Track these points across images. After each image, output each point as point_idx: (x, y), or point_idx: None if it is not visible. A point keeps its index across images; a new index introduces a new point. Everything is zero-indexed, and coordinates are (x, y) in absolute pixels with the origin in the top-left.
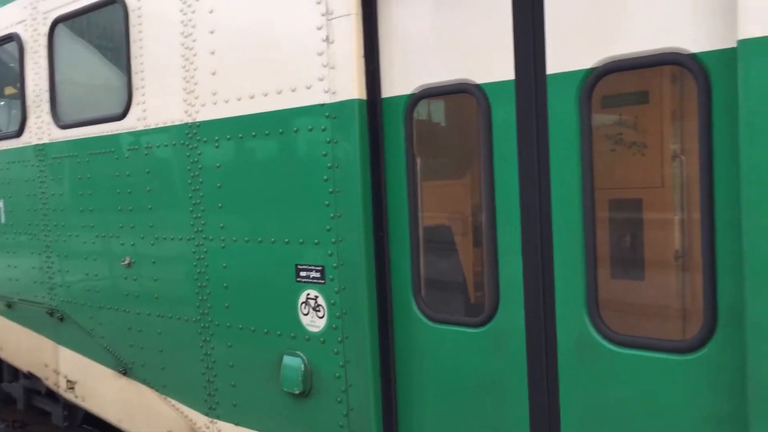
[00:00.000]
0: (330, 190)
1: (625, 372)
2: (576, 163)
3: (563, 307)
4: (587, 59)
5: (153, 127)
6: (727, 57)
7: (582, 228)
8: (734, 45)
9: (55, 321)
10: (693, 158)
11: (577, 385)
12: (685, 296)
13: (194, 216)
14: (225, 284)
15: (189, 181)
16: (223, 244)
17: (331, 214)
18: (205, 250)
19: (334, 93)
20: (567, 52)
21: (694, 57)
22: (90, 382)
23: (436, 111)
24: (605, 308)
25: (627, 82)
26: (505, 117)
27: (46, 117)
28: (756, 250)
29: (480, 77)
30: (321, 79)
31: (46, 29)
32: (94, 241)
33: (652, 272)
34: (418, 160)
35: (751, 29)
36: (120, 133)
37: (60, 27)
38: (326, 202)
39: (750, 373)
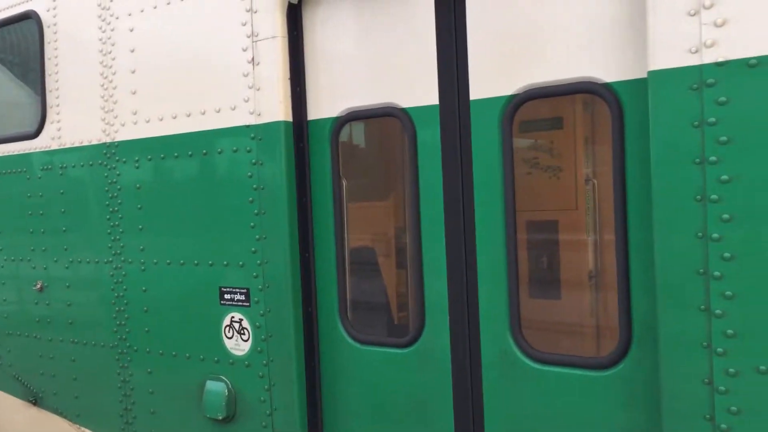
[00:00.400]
0: (255, 211)
1: (546, 388)
2: (499, 185)
3: (487, 327)
4: (509, 86)
5: (69, 146)
6: (639, 87)
7: (505, 249)
8: (645, 75)
9: None
10: (604, 181)
11: (501, 402)
12: (599, 314)
13: (112, 238)
14: (145, 308)
15: (107, 202)
16: (143, 267)
17: (257, 236)
18: (123, 273)
19: (259, 114)
20: (489, 79)
21: (607, 86)
22: None
23: (362, 134)
24: (526, 327)
25: (542, 108)
26: (430, 140)
27: None
28: (667, 269)
29: (405, 101)
30: (246, 101)
31: None
32: (3, 265)
33: (568, 291)
34: (344, 182)
35: (660, 61)
36: (33, 152)
37: None
38: (252, 224)
39: (663, 388)
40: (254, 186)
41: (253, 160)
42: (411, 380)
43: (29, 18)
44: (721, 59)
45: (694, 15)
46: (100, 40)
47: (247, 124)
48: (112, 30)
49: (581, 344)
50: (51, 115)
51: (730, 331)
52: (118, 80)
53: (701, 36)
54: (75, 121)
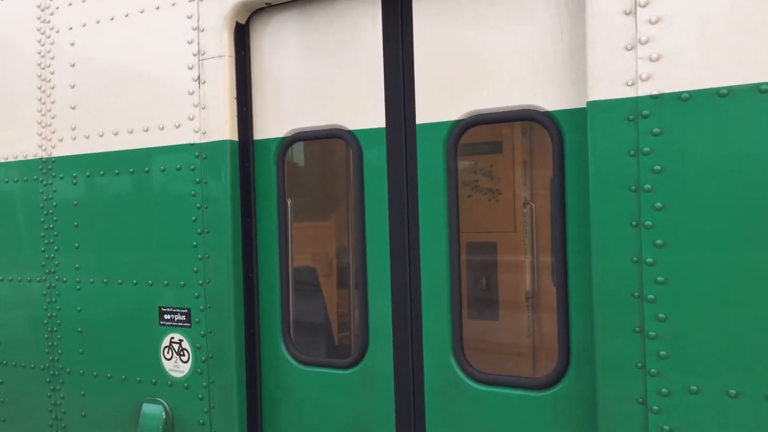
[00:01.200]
0: (198, 230)
1: (488, 409)
2: (443, 207)
3: (430, 348)
4: (454, 111)
5: (2, 161)
6: (578, 116)
7: (448, 270)
8: (584, 105)
9: None
10: (541, 205)
11: (443, 423)
12: (535, 335)
13: (46, 256)
14: (79, 328)
15: (41, 219)
16: (78, 286)
17: (199, 255)
18: (57, 292)
19: (204, 133)
20: (435, 104)
21: (548, 115)
22: None
23: (308, 154)
24: (468, 348)
25: (483, 133)
26: (376, 162)
27: None
28: (603, 292)
29: (352, 124)
30: (191, 119)
31: None
32: None
33: (505, 312)
34: (289, 202)
35: (598, 93)
36: None
37: None
38: (194, 243)
39: (599, 407)
40: (198, 205)
41: (197, 179)
42: (354, 402)
43: None
44: (655, 92)
45: (630, 50)
46: (39, 53)
47: (192, 142)
48: (52, 44)
49: (521, 365)
50: None
51: (663, 353)
52: (57, 95)
53: (637, 70)
54: (8, 135)
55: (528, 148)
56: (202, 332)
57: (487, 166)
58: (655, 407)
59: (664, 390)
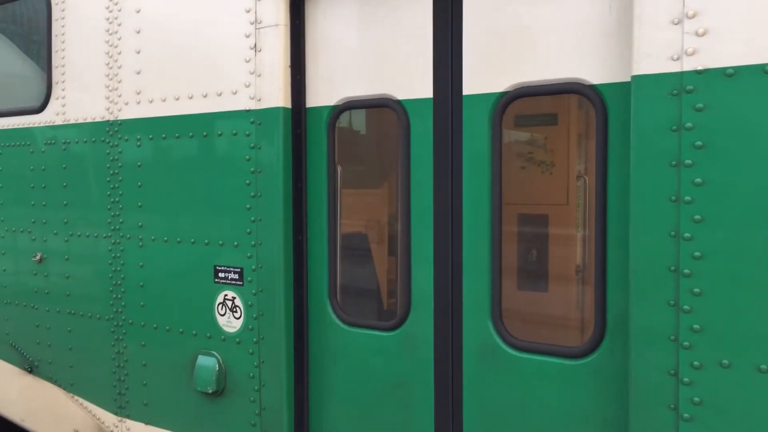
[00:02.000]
0: (252, 194)
1: (523, 374)
2: (486, 178)
3: (469, 314)
4: (500, 83)
5: (72, 122)
6: (623, 89)
7: (489, 240)
8: (629, 80)
9: None
10: (594, 179)
11: (480, 387)
12: (584, 307)
13: (112, 214)
14: (141, 283)
15: (108, 179)
16: (140, 243)
17: (252, 218)
18: (121, 248)
19: (259, 100)
20: (482, 76)
21: (593, 88)
22: None
23: (358, 122)
24: (512, 318)
25: (538, 104)
26: (422, 132)
27: None
28: (640, 265)
29: (401, 93)
30: (247, 86)
31: None
32: (3, 236)
33: (555, 284)
34: (339, 169)
35: (643, 67)
36: (36, 127)
37: None
38: (247, 206)
39: (631, 377)
40: (251, 169)
41: (252, 144)
42: (394, 363)
43: None
44: (700, 67)
45: (677, 24)
46: (107, 19)
47: (247, 108)
48: (119, 10)
49: (565, 336)
50: (56, 91)
51: (696, 326)
52: (123, 60)
53: (683, 44)
54: (79, 98)
55: (584, 120)
56: (253, 291)
57: (541, 138)
58: (686, 379)
59: (695, 363)
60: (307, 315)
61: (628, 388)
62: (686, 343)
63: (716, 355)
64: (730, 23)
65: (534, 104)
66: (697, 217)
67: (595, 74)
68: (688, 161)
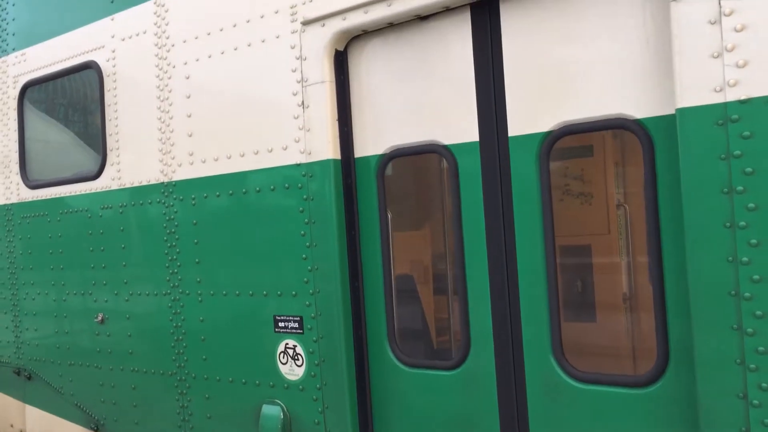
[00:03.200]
0: (307, 244)
1: (589, 407)
2: (537, 215)
3: (530, 350)
4: (545, 123)
5: (128, 186)
6: (668, 122)
7: (545, 275)
8: (673, 112)
9: (22, 380)
10: (634, 206)
11: (546, 422)
12: (634, 336)
13: (171, 271)
14: (202, 337)
15: (165, 238)
16: (200, 298)
17: (309, 267)
18: (181, 304)
19: (309, 153)
20: (527, 117)
21: (638, 122)
22: None
23: (406, 170)
24: (577, 351)
25: (573, 137)
26: (471, 175)
27: (15, 177)
28: (700, 291)
29: (447, 139)
30: (297, 141)
31: (16, 92)
32: (65, 299)
33: (603, 314)
34: (390, 214)
35: (687, 100)
36: (94, 192)
37: (32, 90)
38: (303, 256)
39: (700, 403)
40: (306, 220)
41: (305, 196)
42: (457, 402)
43: (90, 68)
44: (743, 97)
45: (717, 57)
46: (158, 87)
47: (298, 162)
48: (169, 78)
49: (622, 365)
50: (111, 158)
51: (761, 348)
52: (175, 124)
53: (724, 76)
54: (134, 162)
55: (619, 149)
56: (314, 338)
57: (578, 170)
58: (755, 401)
59: (764, 384)
60: (368, 359)
61: (698, 414)
62: (752, 366)
63: None
64: None
65: (570, 137)
66: (753, 241)
67: (638, 109)
68: (740, 187)
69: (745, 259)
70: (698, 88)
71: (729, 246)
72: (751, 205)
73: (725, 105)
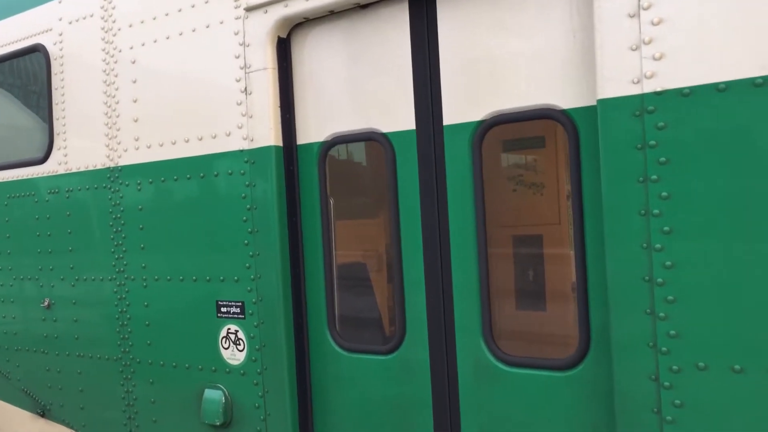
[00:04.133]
0: (249, 230)
1: (515, 389)
2: (470, 203)
3: (462, 335)
4: (477, 112)
5: (75, 171)
6: (591, 112)
7: (476, 261)
8: (594, 103)
9: None
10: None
11: (476, 403)
12: (570, 322)
13: (116, 257)
14: (147, 322)
15: (111, 223)
16: (145, 284)
17: (251, 253)
18: (126, 289)
19: (252, 140)
20: (460, 106)
21: (564, 112)
22: (6, 425)
23: (347, 156)
24: (512, 338)
25: (525, 128)
26: (408, 162)
27: None
28: (616, 277)
29: (385, 127)
30: (240, 127)
31: None
32: (12, 284)
33: (553, 303)
34: (331, 201)
35: (606, 91)
36: (40, 177)
37: None
38: (245, 242)
39: (616, 385)
40: (248, 206)
41: (247, 182)
42: (393, 386)
43: (37, 51)
44: (659, 89)
45: (635, 50)
46: (104, 71)
47: (241, 148)
48: (116, 62)
49: (557, 351)
50: (58, 142)
51: (672, 332)
52: (121, 109)
53: (642, 68)
54: (81, 147)
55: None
56: (255, 323)
57: (531, 161)
58: (666, 383)
59: (674, 367)
60: (308, 344)
61: (613, 395)
62: (664, 349)
63: (693, 359)
64: (683, 47)
65: (521, 128)
66: (666, 228)
67: (565, 99)
68: (654, 176)
69: (658, 245)
70: (617, 79)
71: (644, 233)
72: (665, 193)
73: (642, 96)
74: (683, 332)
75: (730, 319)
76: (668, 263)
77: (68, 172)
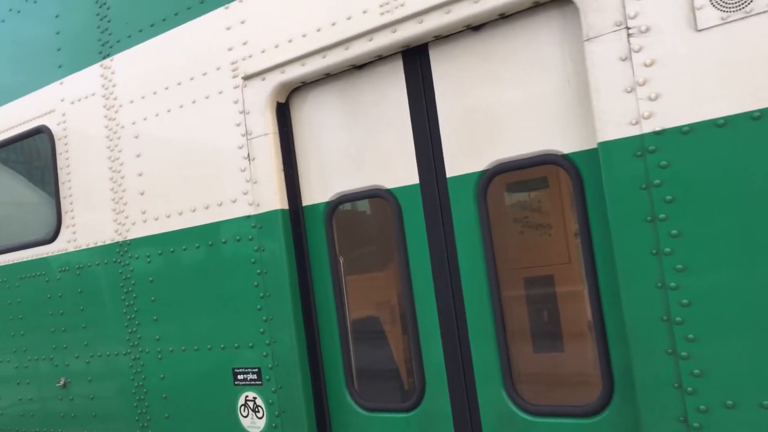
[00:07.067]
0: (261, 294)
1: None
2: (479, 250)
3: (482, 386)
4: (480, 162)
5: (84, 247)
6: (593, 155)
7: (491, 308)
8: (595, 146)
9: None
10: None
11: None
12: (589, 363)
13: (130, 330)
14: (164, 395)
15: (123, 297)
16: (160, 356)
17: (264, 318)
18: (142, 363)
19: (258, 205)
20: (462, 158)
21: (566, 157)
22: None
23: (354, 214)
24: (532, 381)
25: (527, 171)
26: (414, 215)
27: None
28: (633, 317)
29: (389, 183)
30: (245, 193)
31: None
32: (27, 365)
33: (570, 343)
34: (341, 259)
35: (606, 134)
36: (50, 256)
37: None
38: (258, 307)
39: (643, 429)
40: (258, 271)
41: (255, 247)
42: None
43: (41, 132)
44: (658, 128)
45: (630, 92)
46: (108, 147)
47: (248, 214)
48: (119, 138)
49: (581, 394)
50: (66, 220)
51: (696, 371)
52: (127, 183)
53: (639, 109)
54: (89, 223)
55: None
56: (273, 388)
57: (535, 202)
58: (695, 424)
59: (701, 407)
60: (328, 405)
61: None
62: (690, 389)
63: (720, 397)
64: (679, 85)
65: (523, 171)
66: (679, 266)
67: (565, 144)
68: (662, 215)
69: (673, 284)
70: (616, 122)
71: (657, 272)
72: (674, 231)
73: (642, 137)
74: (708, 370)
75: (754, 354)
76: (685, 301)
77: (78, 249)
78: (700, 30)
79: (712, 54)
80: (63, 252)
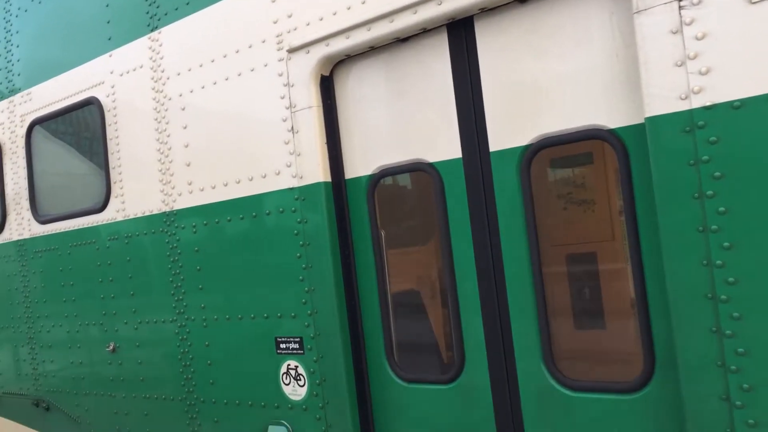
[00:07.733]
0: (303, 266)
1: (581, 414)
2: (522, 226)
3: (522, 360)
4: (524, 136)
5: (132, 217)
6: (639, 130)
7: (532, 284)
8: (642, 121)
9: (41, 411)
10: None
11: (541, 430)
12: (631, 340)
13: (176, 298)
14: (208, 361)
15: (169, 266)
16: (205, 324)
17: (306, 288)
18: (187, 330)
19: (301, 177)
20: (506, 131)
21: (612, 132)
22: None
23: (396, 187)
24: (572, 358)
25: (571, 146)
26: (456, 189)
27: (26, 213)
28: (677, 295)
29: (432, 156)
30: (289, 166)
31: (23, 131)
32: (78, 330)
33: (612, 320)
34: (383, 232)
35: (654, 108)
36: (100, 225)
37: (37, 128)
38: (300, 278)
39: (685, 406)
40: (301, 242)
41: (299, 219)
42: (455, 415)
43: (91, 104)
44: (708, 103)
45: (680, 66)
46: (155, 119)
47: (291, 186)
48: (166, 110)
49: (622, 371)
50: (115, 190)
51: (741, 350)
52: (174, 154)
53: (689, 84)
54: (137, 193)
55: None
56: (314, 358)
57: (579, 178)
58: (738, 402)
59: (745, 386)
60: (368, 376)
61: (683, 418)
62: (733, 367)
63: (764, 376)
64: (731, 59)
65: (567, 146)
66: (726, 244)
67: (612, 119)
68: (710, 192)
69: (719, 262)
70: (664, 96)
71: (703, 250)
72: (722, 208)
73: (691, 112)
74: (752, 349)
75: None
76: (731, 279)
77: (126, 218)
78: (754, 2)
79: (766, 27)
80: (112, 221)
